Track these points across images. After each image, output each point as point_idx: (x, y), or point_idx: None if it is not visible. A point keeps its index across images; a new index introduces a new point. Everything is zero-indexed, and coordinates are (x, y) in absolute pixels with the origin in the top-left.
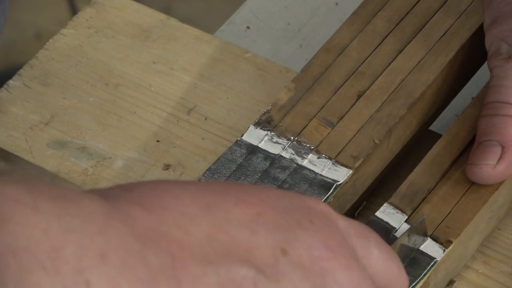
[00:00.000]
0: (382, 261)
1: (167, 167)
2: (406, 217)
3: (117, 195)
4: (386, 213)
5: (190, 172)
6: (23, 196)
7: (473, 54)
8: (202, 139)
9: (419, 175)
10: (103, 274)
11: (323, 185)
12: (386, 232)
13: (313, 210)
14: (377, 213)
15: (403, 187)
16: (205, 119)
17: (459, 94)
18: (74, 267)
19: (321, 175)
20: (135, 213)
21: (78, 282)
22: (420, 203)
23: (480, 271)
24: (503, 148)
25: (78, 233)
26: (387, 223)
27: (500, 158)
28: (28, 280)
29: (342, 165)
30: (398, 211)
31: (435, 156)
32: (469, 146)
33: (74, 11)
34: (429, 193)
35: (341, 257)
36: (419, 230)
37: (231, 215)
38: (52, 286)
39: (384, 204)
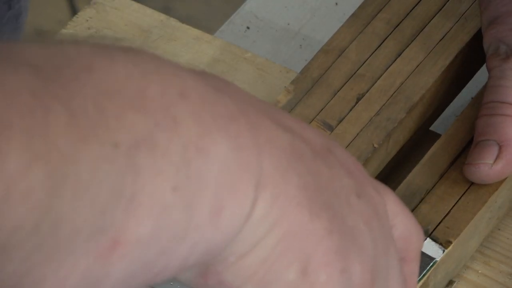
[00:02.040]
0: (398, 206)
1: None
2: None
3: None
4: None
5: None
6: (99, 50)
7: (472, 58)
8: None
9: (417, 176)
10: (186, 110)
11: None
12: None
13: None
14: None
15: (402, 187)
16: None
17: (458, 95)
18: (160, 105)
19: None
20: (202, 72)
21: (166, 117)
22: (419, 203)
23: (479, 271)
24: (500, 147)
25: (156, 75)
26: None
27: (497, 158)
28: (125, 118)
29: None
30: None
31: (434, 156)
32: (468, 147)
33: (74, 11)
34: (427, 194)
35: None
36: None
37: None
38: (145, 123)
39: None
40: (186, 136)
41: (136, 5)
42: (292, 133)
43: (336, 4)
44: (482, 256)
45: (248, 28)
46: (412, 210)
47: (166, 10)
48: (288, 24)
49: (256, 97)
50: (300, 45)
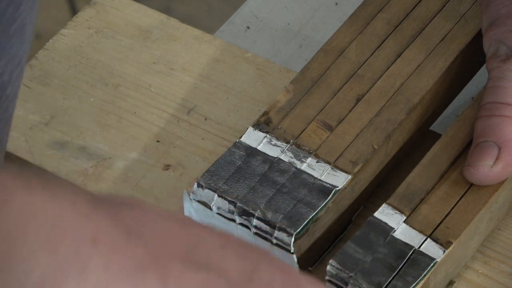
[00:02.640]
0: None
1: (167, 167)
2: (405, 217)
3: (101, 196)
4: (385, 214)
5: (190, 173)
6: (19, 179)
7: (472, 59)
8: (202, 139)
9: (417, 176)
10: (96, 257)
11: (322, 190)
12: (384, 233)
13: None
14: (376, 214)
15: (402, 188)
16: (205, 119)
17: (459, 95)
18: (71, 249)
19: (320, 180)
20: (119, 208)
21: (76, 262)
22: (419, 204)
23: (480, 271)
24: (499, 148)
25: (71, 215)
26: (385, 223)
27: (497, 159)
28: (34, 261)
29: (341, 170)
30: (396, 211)
31: (433, 157)
32: (468, 147)
33: (74, 11)
34: (427, 194)
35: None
36: None
37: None
38: (54, 266)
39: (383, 205)
40: (93, 284)
41: (136, 5)
42: (207, 271)
43: (336, 4)
44: (482, 256)
45: (248, 28)
46: (412, 211)
47: (166, 10)
48: (288, 24)
49: (175, 226)
50: (300, 45)
